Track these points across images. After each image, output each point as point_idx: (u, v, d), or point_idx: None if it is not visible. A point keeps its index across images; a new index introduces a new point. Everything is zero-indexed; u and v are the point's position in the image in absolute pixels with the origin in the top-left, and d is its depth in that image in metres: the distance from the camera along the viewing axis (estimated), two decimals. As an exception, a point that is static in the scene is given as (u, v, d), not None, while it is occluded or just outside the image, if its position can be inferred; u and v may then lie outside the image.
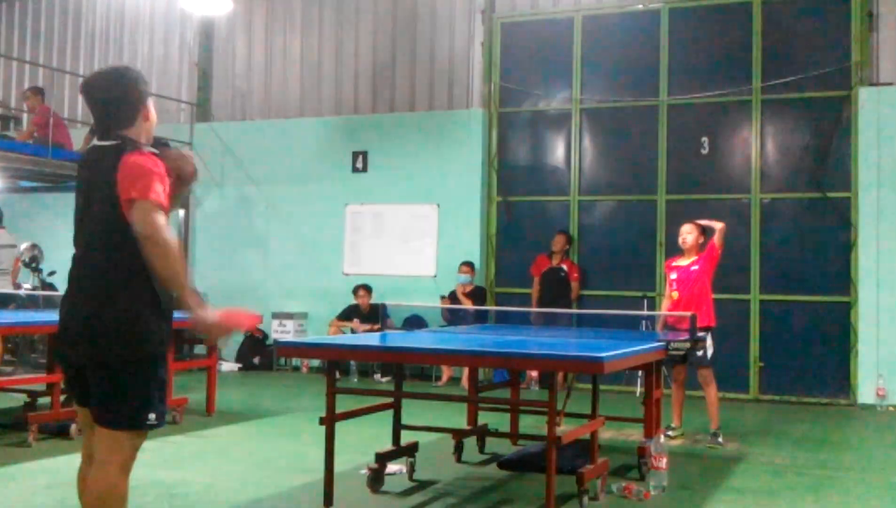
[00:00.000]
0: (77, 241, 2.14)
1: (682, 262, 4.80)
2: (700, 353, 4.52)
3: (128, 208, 1.96)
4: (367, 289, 7.51)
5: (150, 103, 2.20)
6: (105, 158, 2.06)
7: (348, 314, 7.51)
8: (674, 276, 4.80)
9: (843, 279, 6.58)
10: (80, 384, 2.10)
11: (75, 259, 2.14)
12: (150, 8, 9.18)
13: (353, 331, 7.25)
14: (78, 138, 8.51)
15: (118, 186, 1.98)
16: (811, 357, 6.59)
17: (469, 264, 7.19)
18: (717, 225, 4.70)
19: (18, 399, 4.92)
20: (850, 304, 6.53)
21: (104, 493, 2.01)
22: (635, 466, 3.85)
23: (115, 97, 2.11)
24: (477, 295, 7.05)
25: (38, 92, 7.73)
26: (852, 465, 4.28)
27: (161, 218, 1.95)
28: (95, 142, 2.15)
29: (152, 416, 2.04)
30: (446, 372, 7.19)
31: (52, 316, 5.25)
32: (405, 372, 4.93)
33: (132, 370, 2.03)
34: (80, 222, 2.12)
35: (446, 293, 7.27)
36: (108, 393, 2.02)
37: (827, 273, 6.63)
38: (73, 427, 4.39)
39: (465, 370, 6.21)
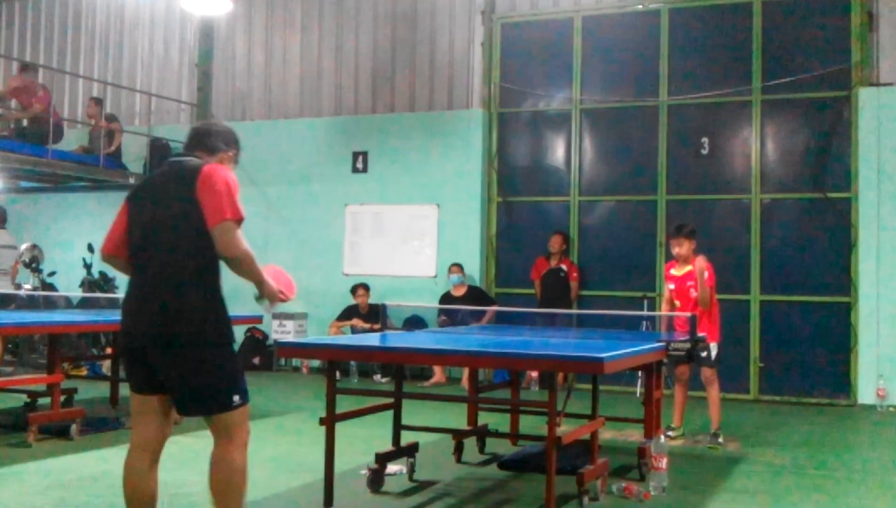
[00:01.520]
0: (147, 244, 2.32)
1: (679, 272, 4.74)
2: (704, 353, 4.51)
3: (212, 223, 2.23)
4: (366, 288, 7.51)
5: (231, 161, 2.50)
6: (182, 171, 2.32)
7: (347, 314, 7.51)
8: (672, 286, 4.76)
9: (843, 280, 6.58)
10: (148, 373, 2.30)
11: (148, 260, 2.32)
12: (150, 8, 9.18)
13: (353, 329, 7.25)
14: (74, 140, 8.52)
15: (199, 195, 2.23)
16: (811, 358, 6.58)
17: (458, 266, 7.19)
18: (705, 281, 4.47)
19: (19, 400, 4.92)
20: (850, 304, 6.52)
21: (229, 467, 2.26)
22: (635, 466, 3.85)
23: (215, 130, 2.47)
24: (474, 296, 7.03)
25: (24, 69, 7.68)
26: (852, 466, 4.28)
27: (239, 235, 2.24)
28: (171, 158, 2.47)
29: (236, 398, 2.28)
30: (437, 373, 7.17)
31: (53, 316, 5.31)
32: (405, 373, 4.92)
33: (213, 357, 2.26)
34: (151, 227, 2.32)
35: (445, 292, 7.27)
36: (197, 380, 2.25)
37: (827, 274, 6.62)
38: (73, 428, 4.40)
39: (465, 371, 6.22)
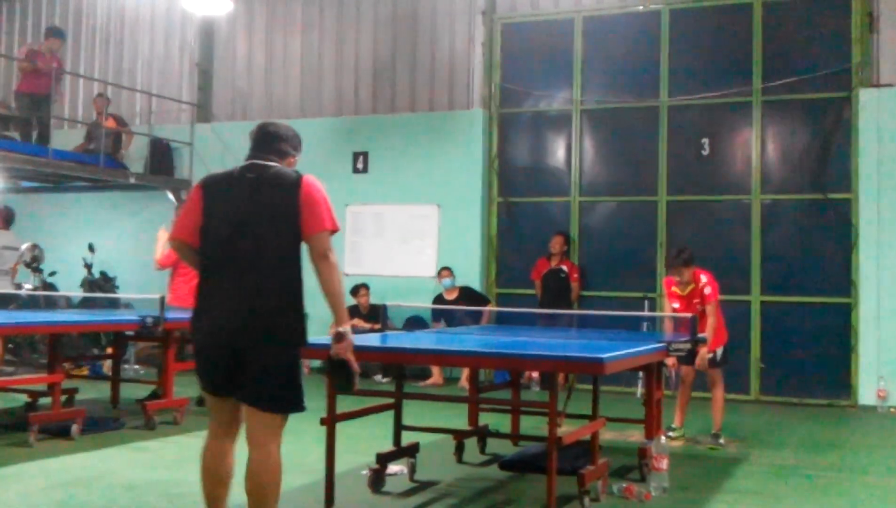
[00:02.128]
0: (237, 241, 2.37)
1: (683, 291, 4.67)
2: (711, 355, 4.50)
3: (312, 232, 2.37)
4: (367, 288, 7.51)
5: (296, 164, 2.59)
6: (280, 178, 2.40)
7: (348, 314, 7.50)
8: (676, 305, 4.68)
9: (843, 281, 6.57)
10: (227, 374, 2.38)
11: (238, 257, 2.36)
12: (151, 8, 9.18)
13: (354, 329, 7.23)
14: (74, 138, 8.52)
15: (302, 208, 2.35)
16: (812, 359, 6.58)
17: (448, 269, 7.20)
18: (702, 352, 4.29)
19: (19, 400, 4.92)
20: (851, 305, 6.52)
21: (272, 471, 2.35)
22: (636, 467, 3.85)
23: (284, 135, 2.54)
24: (467, 296, 7.00)
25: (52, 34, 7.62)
26: (853, 466, 4.28)
27: (331, 245, 2.38)
28: (253, 160, 2.48)
29: (303, 402, 2.40)
30: (435, 373, 7.16)
31: (53, 317, 5.30)
32: (405, 373, 4.92)
33: (292, 358, 2.37)
34: (244, 225, 2.37)
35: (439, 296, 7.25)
36: (277, 380, 2.35)
37: (828, 275, 6.62)
38: (74, 428, 4.40)
39: (465, 371, 6.21)
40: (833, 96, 6.67)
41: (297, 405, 2.41)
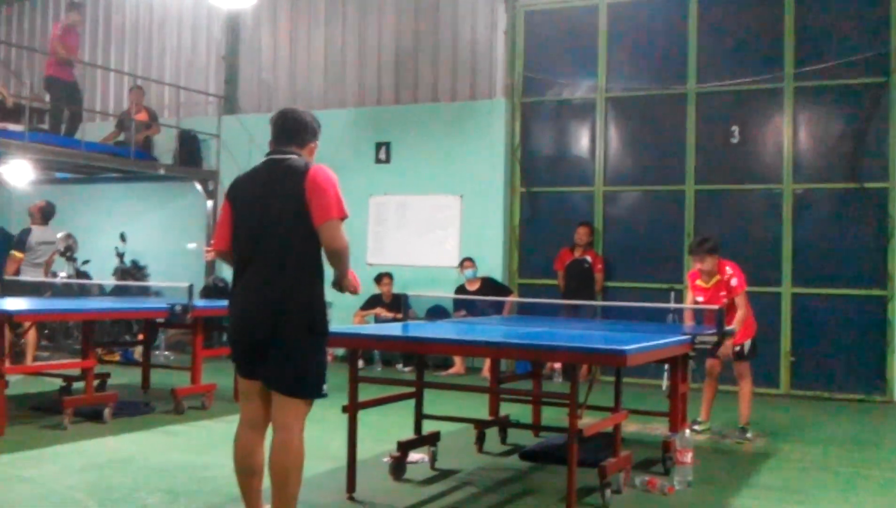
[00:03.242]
0: (258, 240, 2.46)
1: (707, 284, 4.57)
2: (738, 348, 4.40)
3: (319, 221, 2.41)
4: (390, 277, 7.55)
5: (316, 150, 2.67)
6: (288, 171, 2.46)
7: (371, 304, 7.56)
8: (700, 299, 4.58)
9: (879, 273, 6.37)
10: (254, 360, 2.49)
11: (259, 256, 2.47)
12: (178, 3, 9.31)
13: (376, 318, 7.30)
14: (104, 129, 8.71)
15: (308, 196, 2.39)
16: (845, 352, 6.40)
17: (470, 260, 7.17)
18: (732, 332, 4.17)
19: (54, 384, 5.09)
20: (888, 298, 6.32)
21: (294, 454, 2.44)
22: (660, 460, 3.80)
23: (303, 125, 2.60)
24: (489, 287, 6.98)
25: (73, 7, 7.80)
26: (886, 464, 4.16)
27: (342, 231, 2.43)
28: (272, 155, 2.56)
29: (325, 387, 2.49)
30: (457, 363, 7.18)
31: (87, 304, 5.46)
32: (427, 362, 4.93)
33: (313, 346, 2.46)
34: (262, 224, 2.46)
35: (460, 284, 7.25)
36: (296, 366, 2.43)
37: (862, 266, 6.42)
38: (106, 412, 4.54)
39: (487, 361, 6.21)
40: (869, 82, 6.43)
41: (317, 391, 2.48)
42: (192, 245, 5.58)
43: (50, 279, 7.14)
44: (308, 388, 2.48)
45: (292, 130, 2.58)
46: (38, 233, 6.59)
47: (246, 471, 2.56)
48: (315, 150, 2.66)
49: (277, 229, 2.45)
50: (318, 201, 2.40)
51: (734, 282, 4.49)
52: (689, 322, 4.53)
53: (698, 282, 4.64)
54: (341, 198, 2.45)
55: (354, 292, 2.59)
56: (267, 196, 2.47)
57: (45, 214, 6.73)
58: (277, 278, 2.44)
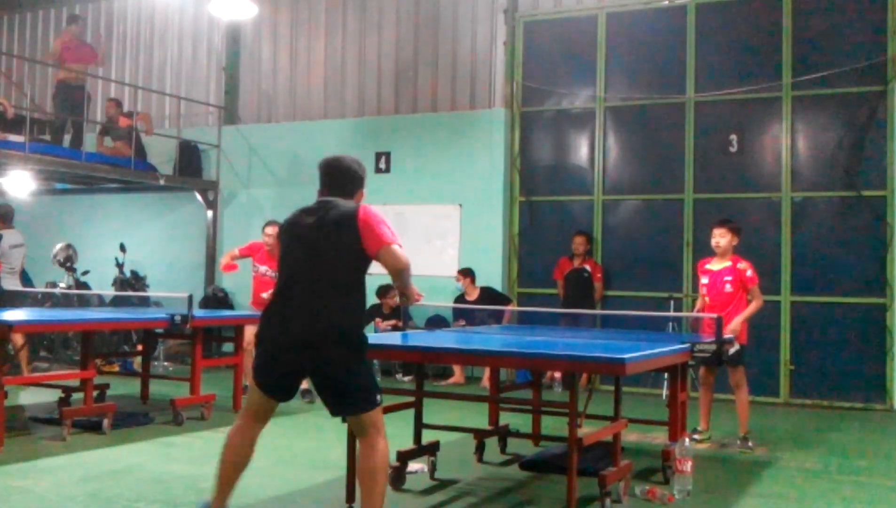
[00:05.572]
0: (307, 277, 2.67)
1: (715, 266, 4.63)
2: (733, 351, 4.41)
3: (375, 250, 2.64)
4: (395, 290, 7.53)
5: (362, 197, 2.87)
6: (342, 211, 2.70)
7: (371, 314, 7.55)
8: (705, 281, 4.64)
9: (878, 281, 6.37)
10: (287, 385, 2.72)
11: (303, 287, 2.66)
12: (179, 15, 9.39)
13: (375, 328, 7.29)
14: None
15: (361, 234, 2.63)
16: (845, 361, 6.39)
17: (461, 272, 7.16)
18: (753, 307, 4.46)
19: (53, 395, 5.08)
20: (886, 306, 6.32)
21: (380, 455, 2.63)
22: (660, 469, 3.79)
23: (350, 176, 2.84)
24: (487, 296, 6.98)
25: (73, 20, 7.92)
26: (886, 473, 4.15)
27: (400, 253, 2.65)
28: (324, 197, 2.81)
29: (379, 396, 2.69)
30: (457, 372, 7.16)
31: (86, 314, 5.46)
32: (427, 372, 4.92)
33: (360, 367, 2.66)
34: (311, 258, 2.67)
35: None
36: (358, 389, 2.63)
37: (861, 274, 6.42)
38: (105, 423, 4.52)
39: (486, 370, 6.20)
40: (867, 90, 6.47)
41: (373, 404, 2.65)
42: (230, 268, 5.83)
43: (49, 289, 7.13)
44: (366, 402, 2.65)
45: (339, 183, 2.81)
46: (8, 237, 6.38)
47: (234, 463, 2.67)
48: (363, 197, 2.84)
49: (328, 263, 2.65)
50: (370, 232, 2.63)
51: (749, 273, 4.53)
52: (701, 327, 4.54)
53: (707, 266, 4.69)
54: (390, 228, 2.69)
55: (417, 300, 2.85)
56: (319, 234, 2.69)
57: (7, 217, 6.49)
58: (326, 305, 2.62)
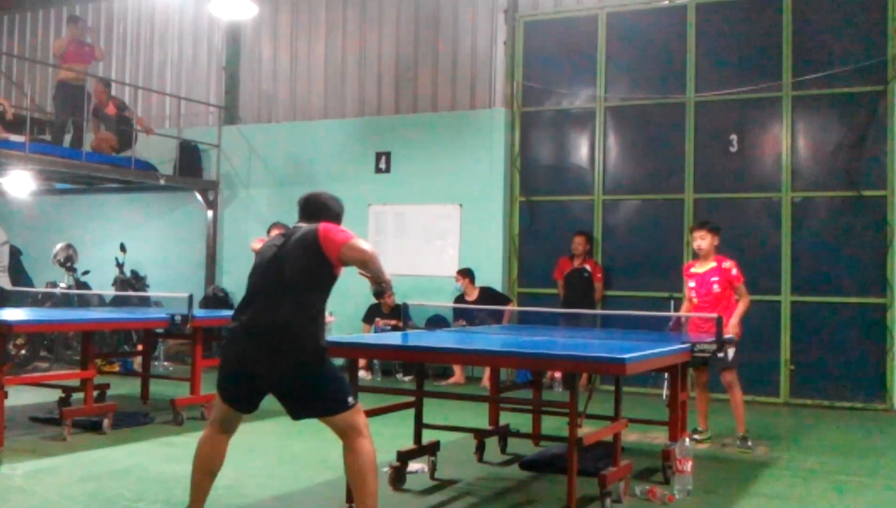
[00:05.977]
0: (267, 287, 2.71)
1: (700, 269, 4.65)
2: (722, 355, 4.41)
3: (337, 253, 2.66)
4: (393, 293, 7.54)
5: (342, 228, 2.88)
6: (304, 232, 2.76)
7: (370, 314, 7.56)
8: (692, 284, 4.66)
9: (878, 280, 6.37)
10: (252, 396, 2.73)
11: (262, 299, 2.70)
12: (180, 14, 9.39)
13: (376, 328, 7.29)
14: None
15: (323, 246, 2.66)
16: (845, 360, 6.39)
17: (459, 273, 7.16)
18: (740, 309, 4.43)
19: (54, 395, 5.08)
20: (886, 306, 6.32)
21: (364, 456, 2.66)
22: (660, 469, 3.79)
23: (328, 211, 2.88)
24: (487, 296, 6.97)
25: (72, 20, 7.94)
26: (886, 472, 4.15)
27: (358, 244, 2.67)
28: (300, 224, 2.86)
29: (351, 398, 2.69)
30: (457, 372, 7.16)
31: (86, 314, 5.46)
32: (427, 371, 4.92)
33: (320, 370, 2.66)
34: (274, 273, 2.72)
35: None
36: (320, 394, 2.65)
37: (861, 274, 6.42)
38: (106, 422, 4.53)
39: (486, 370, 6.20)
40: (867, 90, 6.46)
41: (344, 404, 2.66)
42: None
43: (49, 289, 7.13)
44: (340, 402, 2.65)
45: (315, 214, 2.84)
46: None
47: (207, 471, 2.73)
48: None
49: (288, 272, 2.67)
50: (329, 241, 2.68)
51: (735, 272, 4.53)
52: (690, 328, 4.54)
53: (692, 270, 4.70)
54: (342, 231, 2.72)
55: (390, 297, 2.82)
56: (283, 248, 2.74)
57: None
58: (281, 313, 2.63)
